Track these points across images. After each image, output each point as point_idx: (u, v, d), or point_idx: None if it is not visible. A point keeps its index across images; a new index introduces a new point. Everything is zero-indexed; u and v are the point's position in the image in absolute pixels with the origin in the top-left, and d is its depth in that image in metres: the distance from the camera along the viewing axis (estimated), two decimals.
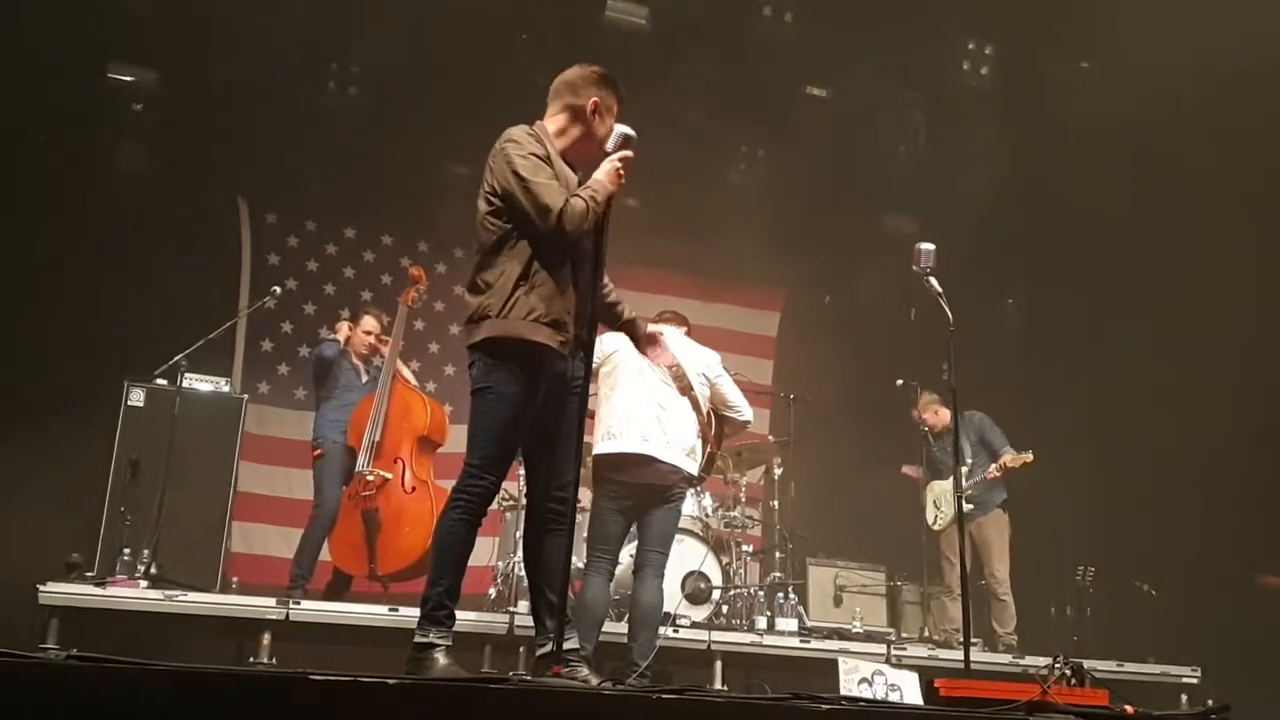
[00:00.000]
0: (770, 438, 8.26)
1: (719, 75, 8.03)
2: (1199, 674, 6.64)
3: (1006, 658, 6.57)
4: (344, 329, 6.90)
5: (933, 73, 8.13)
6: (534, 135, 3.73)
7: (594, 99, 3.82)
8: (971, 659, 5.50)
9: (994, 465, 7.30)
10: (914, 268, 4.64)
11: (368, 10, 7.31)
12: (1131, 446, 7.26)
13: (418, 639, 3.52)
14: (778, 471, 7.58)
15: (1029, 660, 6.26)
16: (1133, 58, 7.37)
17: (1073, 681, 3.51)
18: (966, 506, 7.25)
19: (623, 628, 5.30)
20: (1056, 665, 3.57)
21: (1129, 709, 3.09)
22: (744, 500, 7.38)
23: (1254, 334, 7.87)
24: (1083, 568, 7.47)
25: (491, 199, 3.66)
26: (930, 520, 7.54)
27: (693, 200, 8.90)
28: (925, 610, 7.46)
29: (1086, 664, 5.67)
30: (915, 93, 8.30)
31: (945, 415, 7.50)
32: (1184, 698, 6.44)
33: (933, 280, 4.62)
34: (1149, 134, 7.81)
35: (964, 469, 7.32)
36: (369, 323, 6.84)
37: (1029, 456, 7.21)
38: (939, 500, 7.58)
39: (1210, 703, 5.57)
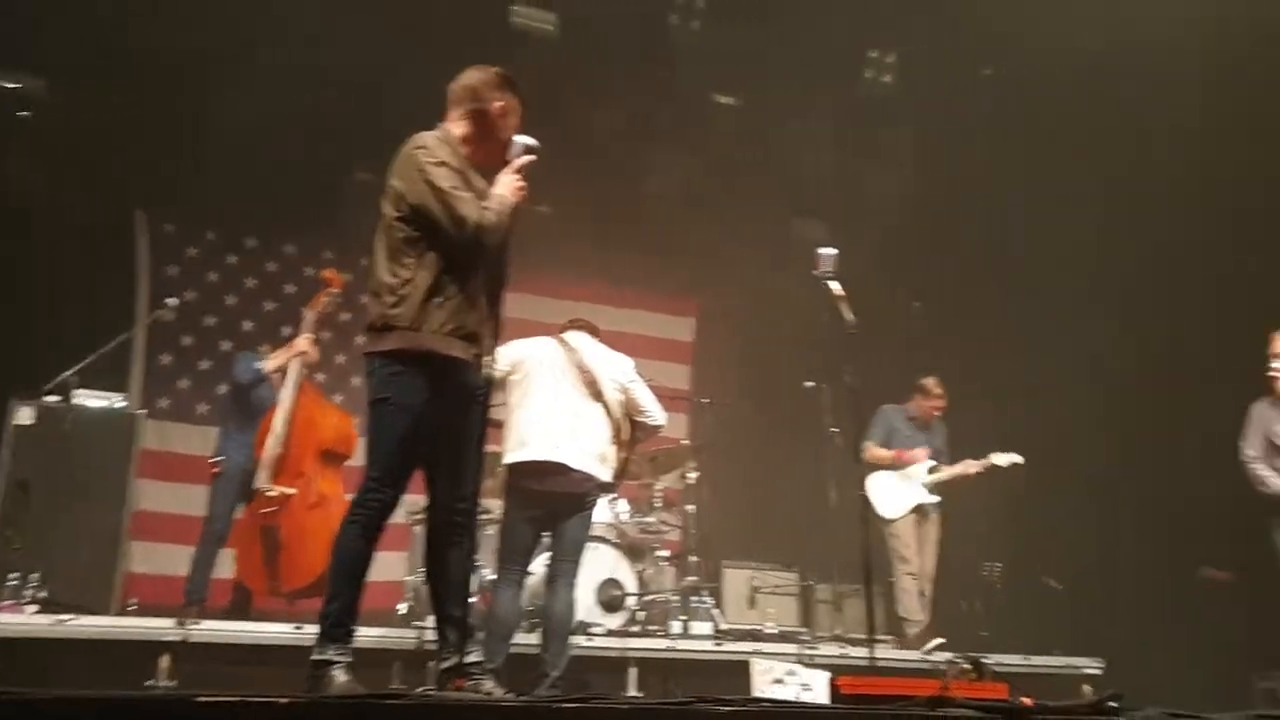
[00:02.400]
0: (686, 442, 8.29)
1: (629, 82, 8.03)
2: (1102, 665, 6.79)
3: (916, 654, 6.65)
4: (276, 358, 6.59)
5: (838, 80, 8.22)
6: (445, 142, 3.67)
7: (499, 102, 3.78)
8: (883, 656, 5.59)
9: (964, 463, 7.35)
10: (815, 272, 4.71)
11: (269, 12, 7.15)
12: (1035, 445, 7.40)
13: (315, 657, 3.45)
14: (693, 476, 7.59)
15: (937, 656, 6.34)
16: (1033, 63, 7.56)
17: (973, 676, 3.55)
18: (932, 499, 7.38)
19: (537, 639, 5.25)
20: (958, 660, 3.61)
21: (1027, 701, 3.13)
22: (659, 505, 7.37)
23: (1156, 329, 8.13)
24: (989, 564, 7.61)
25: (399, 205, 3.59)
26: (887, 510, 7.37)
27: (605, 206, 8.89)
28: (837, 609, 7.51)
29: (994, 658, 5.81)
30: (821, 100, 8.38)
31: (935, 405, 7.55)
32: (1087, 688, 6.56)
33: (833, 284, 4.69)
34: (1047, 139, 8.02)
35: (932, 463, 7.44)
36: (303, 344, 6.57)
37: (1018, 459, 7.29)
38: (897, 490, 7.45)
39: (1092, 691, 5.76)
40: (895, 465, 7.41)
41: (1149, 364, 8.19)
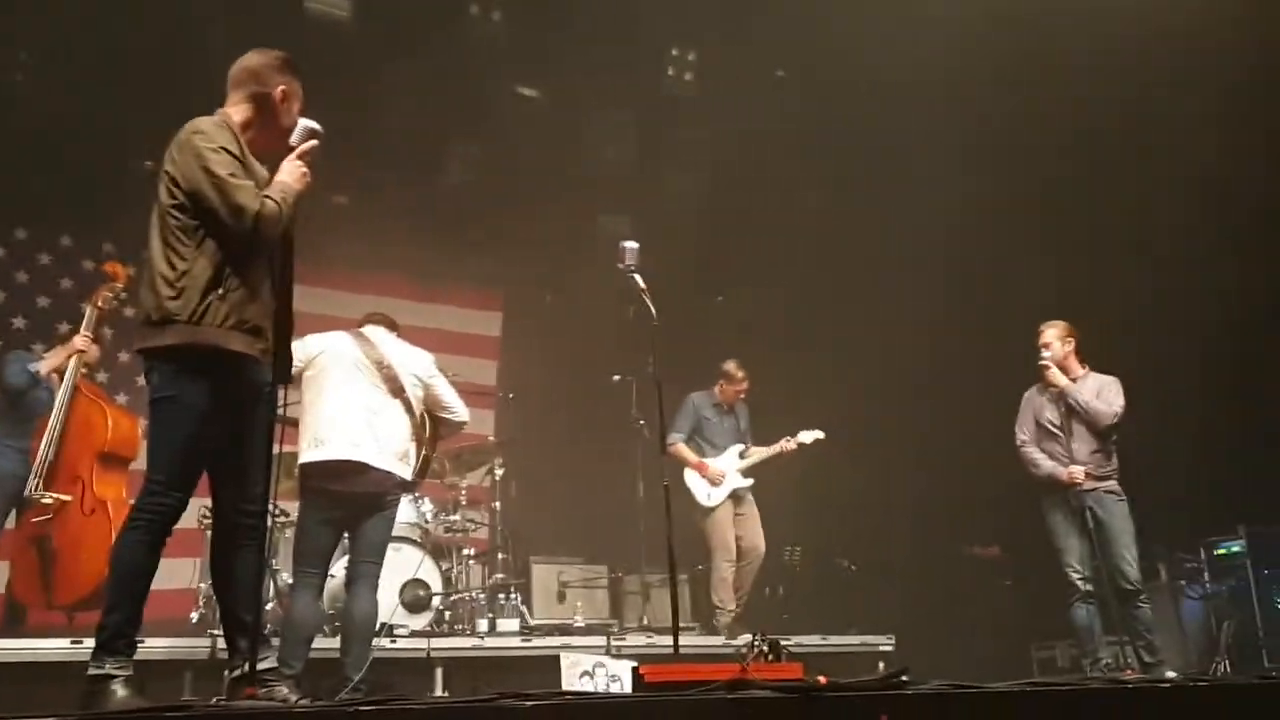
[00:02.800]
0: (492, 439, 8.22)
1: (426, 72, 7.88)
2: (894, 641, 7.13)
3: (719, 640, 6.81)
4: (51, 359, 6.11)
5: (639, 76, 8.32)
6: (224, 128, 3.50)
7: (281, 86, 3.65)
8: (686, 643, 5.70)
9: (783, 442, 7.52)
10: (619, 265, 4.75)
11: None
12: (834, 433, 7.70)
13: (92, 671, 3.24)
14: (499, 472, 7.55)
15: (738, 640, 6.51)
16: (827, 64, 7.85)
17: (770, 657, 3.66)
18: (747, 481, 7.50)
19: (339, 643, 5.09)
20: (756, 643, 3.72)
21: (822, 679, 3.24)
22: (465, 503, 7.30)
23: (939, 320, 8.61)
24: (789, 547, 7.87)
25: (175, 192, 3.41)
26: (703, 497, 7.48)
27: (406, 199, 8.72)
28: (645, 600, 7.61)
29: (794, 639, 6.01)
30: (623, 95, 8.45)
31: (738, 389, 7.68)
32: (881, 664, 6.87)
33: (637, 277, 4.74)
34: (838, 138, 8.35)
35: (739, 448, 7.57)
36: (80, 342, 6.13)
37: (820, 434, 7.54)
38: (713, 477, 7.52)
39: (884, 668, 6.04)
40: (699, 471, 7.51)
41: (928, 354, 8.70)
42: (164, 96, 6.40)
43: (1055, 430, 6.17)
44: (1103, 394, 6.14)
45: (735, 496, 7.50)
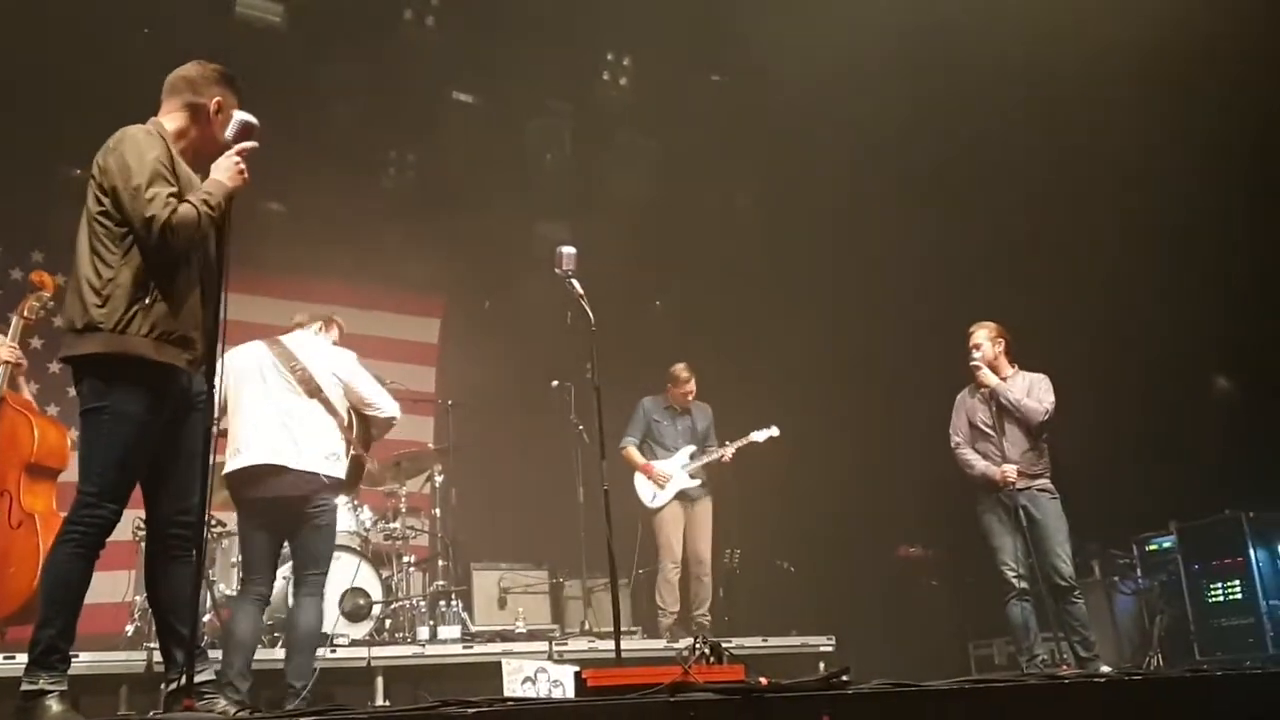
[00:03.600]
0: (431, 445, 8.18)
1: (362, 77, 7.84)
2: (834, 642, 7.20)
3: (661, 643, 6.83)
4: None
5: (575, 82, 8.34)
6: (154, 135, 3.45)
7: (217, 98, 3.62)
8: (628, 647, 5.71)
9: (734, 444, 7.54)
10: (556, 270, 4.75)
11: None
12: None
13: (25, 687, 3.19)
14: (439, 479, 7.52)
15: (680, 644, 6.54)
16: (762, 68, 7.92)
17: (711, 660, 3.69)
18: (694, 482, 7.53)
19: (279, 653, 5.05)
20: (697, 645, 3.75)
21: (763, 681, 3.28)
22: (405, 511, 7.26)
23: (874, 322, 8.73)
24: (730, 551, 7.92)
25: (102, 199, 3.37)
26: (648, 498, 7.52)
27: (342, 205, 8.63)
28: (587, 604, 7.62)
29: (735, 641, 6.07)
30: (559, 101, 8.47)
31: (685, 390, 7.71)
32: (822, 665, 6.94)
33: (574, 282, 4.75)
34: (780, 143, 8.44)
35: (690, 450, 7.59)
36: None
37: (774, 431, 7.57)
38: (658, 479, 7.56)
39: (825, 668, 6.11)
40: (645, 473, 7.55)
41: (862, 356, 8.82)
42: (93, 103, 6.30)
43: (988, 430, 6.21)
44: (1033, 391, 6.19)
45: (685, 498, 7.54)
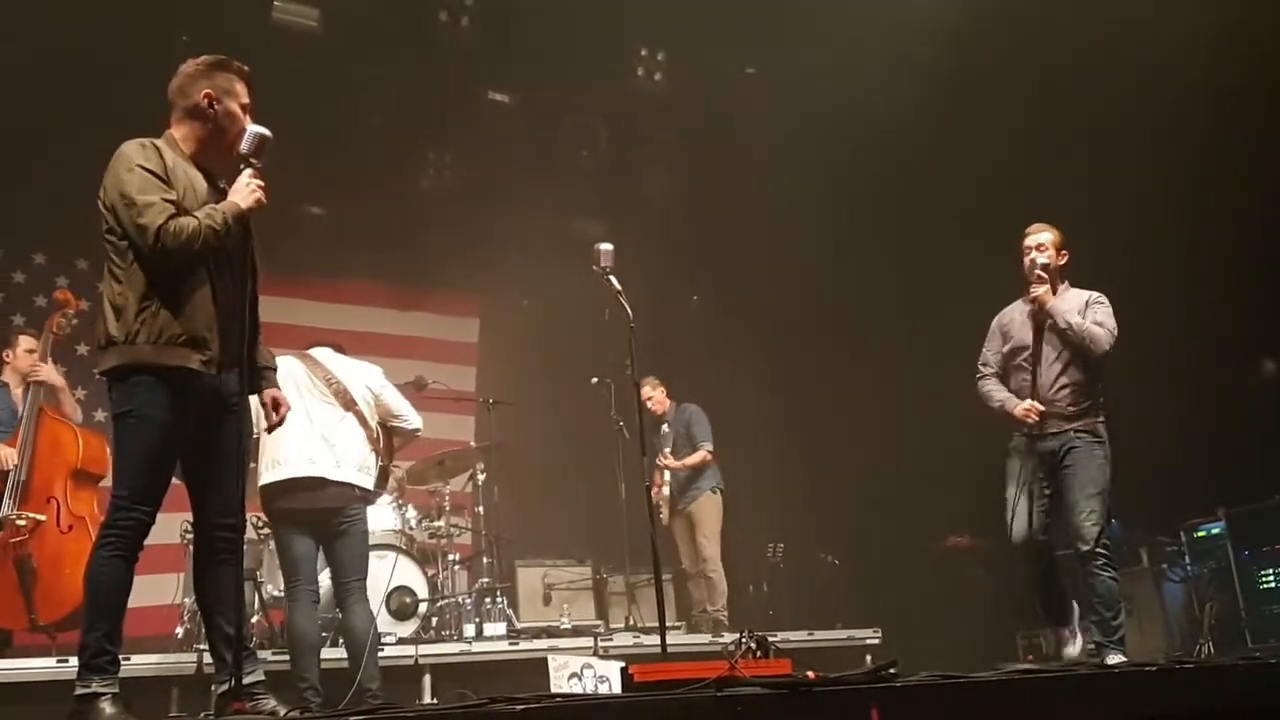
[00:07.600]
0: (472, 444, 8.21)
1: (399, 79, 7.88)
2: (880, 635, 7.16)
3: (706, 638, 6.83)
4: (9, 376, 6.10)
5: (609, 78, 8.32)
6: (147, 147, 3.46)
7: (205, 91, 3.57)
8: (673, 641, 5.71)
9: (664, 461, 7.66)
10: (594, 267, 4.75)
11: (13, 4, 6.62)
12: (812, 430, 7.75)
13: (79, 691, 3.24)
14: (481, 477, 7.55)
15: (728, 637, 6.53)
16: (798, 61, 7.87)
17: (758, 654, 3.68)
18: (682, 487, 7.58)
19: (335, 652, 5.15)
20: (744, 640, 3.73)
21: (811, 674, 3.26)
22: (449, 509, 7.30)
23: (922, 323, 8.64)
24: (773, 545, 7.90)
25: (107, 218, 3.43)
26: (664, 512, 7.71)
27: (381, 207, 8.70)
28: (631, 600, 7.63)
29: (780, 635, 6.03)
30: (593, 98, 8.46)
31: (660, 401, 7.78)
32: (868, 658, 6.90)
33: (612, 279, 4.75)
34: (814, 136, 8.37)
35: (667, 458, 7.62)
36: (26, 343, 6.15)
37: (691, 460, 7.63)
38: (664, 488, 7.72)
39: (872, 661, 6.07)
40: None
41: (908, 347, 8.71)
42: (135, 112, 6.36)
43: (1026, 357, 5.12)
44: (1089, 314, 5.03)
45: (677, 504, 7.72)
